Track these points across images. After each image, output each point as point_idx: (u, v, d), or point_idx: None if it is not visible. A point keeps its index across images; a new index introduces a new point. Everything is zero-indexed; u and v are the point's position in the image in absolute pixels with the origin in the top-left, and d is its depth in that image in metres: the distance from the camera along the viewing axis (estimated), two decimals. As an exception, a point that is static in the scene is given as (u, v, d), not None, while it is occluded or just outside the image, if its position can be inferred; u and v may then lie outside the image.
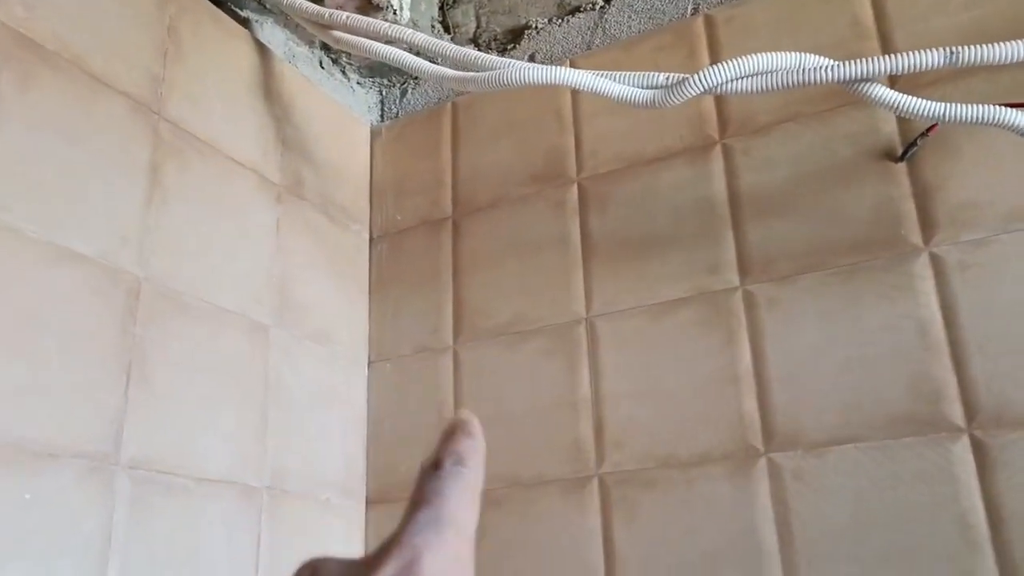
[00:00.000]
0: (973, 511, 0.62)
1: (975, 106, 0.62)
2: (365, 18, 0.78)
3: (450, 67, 0.75)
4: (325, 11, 0.78)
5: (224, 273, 0.74)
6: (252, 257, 0.77)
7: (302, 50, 0.93)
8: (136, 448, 0.62)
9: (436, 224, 0.92)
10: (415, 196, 0.94)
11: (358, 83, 1.00)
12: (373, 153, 0.99)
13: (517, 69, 0.70)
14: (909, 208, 0.70)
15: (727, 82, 0.66)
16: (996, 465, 0.62)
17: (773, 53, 0.65)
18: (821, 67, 0.64)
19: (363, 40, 0.77)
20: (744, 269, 0.75)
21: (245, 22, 0.84)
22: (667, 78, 0.67)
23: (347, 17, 0.77)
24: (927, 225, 0.69)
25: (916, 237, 0.69)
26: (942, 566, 0.62)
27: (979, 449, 0.63)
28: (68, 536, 0.56)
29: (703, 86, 0.66)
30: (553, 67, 0.69)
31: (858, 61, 0.63)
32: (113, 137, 0.65)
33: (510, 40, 0.96)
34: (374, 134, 0.99)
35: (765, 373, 0.71)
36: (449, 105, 0.95)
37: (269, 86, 0.84)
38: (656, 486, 0.72)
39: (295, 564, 0.21)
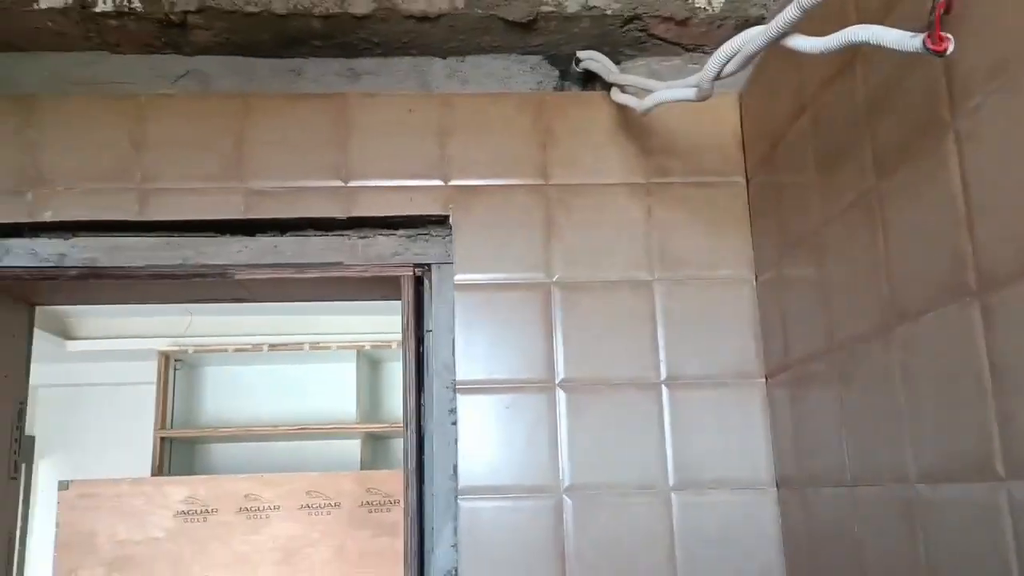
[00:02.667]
0: None
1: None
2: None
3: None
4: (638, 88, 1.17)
5: (606, 259, 1.21)
6: (628, 239, 1.21)
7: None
8: (566, 372, 1.18)
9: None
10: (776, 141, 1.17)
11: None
12: (742, 110, 1.25)
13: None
14: None
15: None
16: None
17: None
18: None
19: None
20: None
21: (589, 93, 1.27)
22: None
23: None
24: None
25: None
26: None
27: None
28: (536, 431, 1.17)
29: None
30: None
31: None
32: (520, 212, 1.23)
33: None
34: (741, 98, 1.25)
35: None
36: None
37: (627, 122, 1.25)
38: None
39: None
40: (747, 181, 1.23)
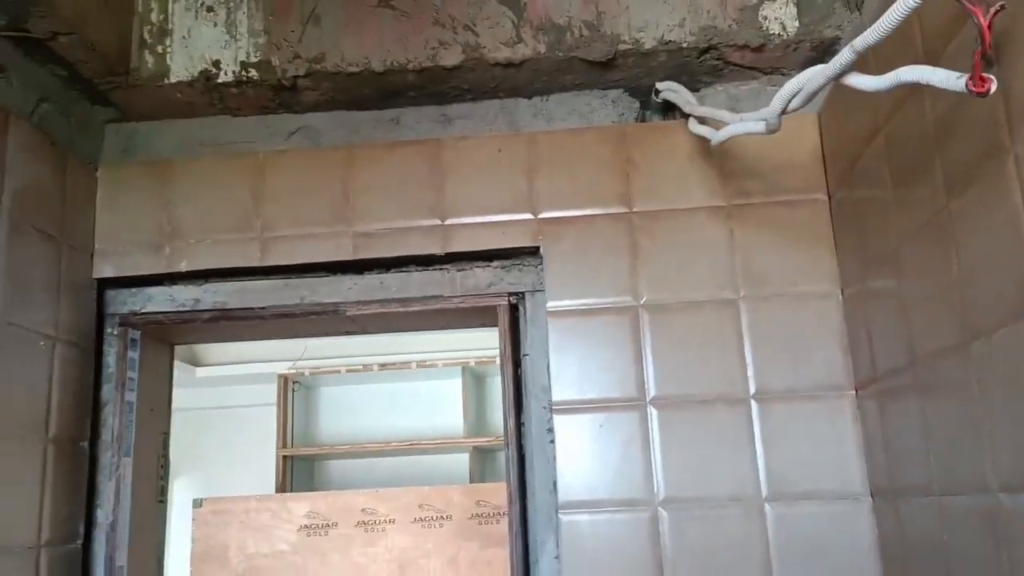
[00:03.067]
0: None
1: None
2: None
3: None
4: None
5: (691, 280, 1.26)
6: (712, 260, 1.26)
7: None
8: (656, 390, 1.24)
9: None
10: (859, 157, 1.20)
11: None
12: (821, 129, 1.28)
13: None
14: None
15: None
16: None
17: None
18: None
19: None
20: None
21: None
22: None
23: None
24: None
25: None
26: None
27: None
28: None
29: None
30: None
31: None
32: (606, 239, 1.29)
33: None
34: (820, 118, 1.28)
35: None
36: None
37: (706, 148, 1.30)
38: None
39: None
40: (829, 198, 1.26)
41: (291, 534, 3.38)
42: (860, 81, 0.74)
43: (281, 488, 3.80)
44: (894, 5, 0.63)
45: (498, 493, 3.31)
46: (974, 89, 0.60)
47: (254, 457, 4.02)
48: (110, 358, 1.34)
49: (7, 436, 1.11)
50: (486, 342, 3.79)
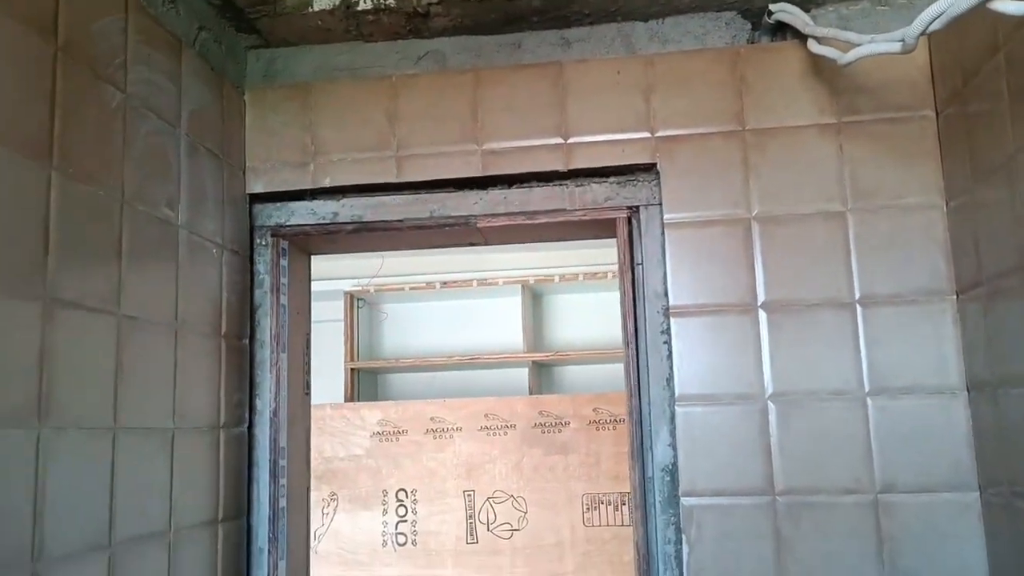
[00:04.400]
0: None
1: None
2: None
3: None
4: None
5: (800, 194, 1.35)
6: (821, 175, 1.35)
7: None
8: (766, 295, 1.35)
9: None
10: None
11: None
12: (931, 48, 1.34)
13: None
14: None
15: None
16: None
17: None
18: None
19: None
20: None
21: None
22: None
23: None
24: None
25: None
26: None
27: None
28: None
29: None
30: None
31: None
32: (720, 156, 1.38)
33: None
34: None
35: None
36: None
37: (815, 67, 1.37)
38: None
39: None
40: (937, 114, 1.34)
41: (365, 440, 3.60)
42: (1010, 7, 0.82)
43: (350, 398, 4.02)
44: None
45: (560, 404, 3.49)
46: None
47: (325, 370, 4.23)
48: (260, 266, 1.48)
49: (197, 333, 1.26)
50: (545, 261, 3.91)
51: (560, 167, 1.42)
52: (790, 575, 1.29)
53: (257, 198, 1.48)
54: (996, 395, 1.19)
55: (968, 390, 1.28)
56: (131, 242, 1.11)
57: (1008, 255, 1.12)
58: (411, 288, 4.04)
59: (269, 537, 1.41)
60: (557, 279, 3.87)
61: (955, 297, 1.30)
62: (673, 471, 1.36)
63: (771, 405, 1.33)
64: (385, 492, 3.54)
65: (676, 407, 1.36)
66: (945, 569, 1.26)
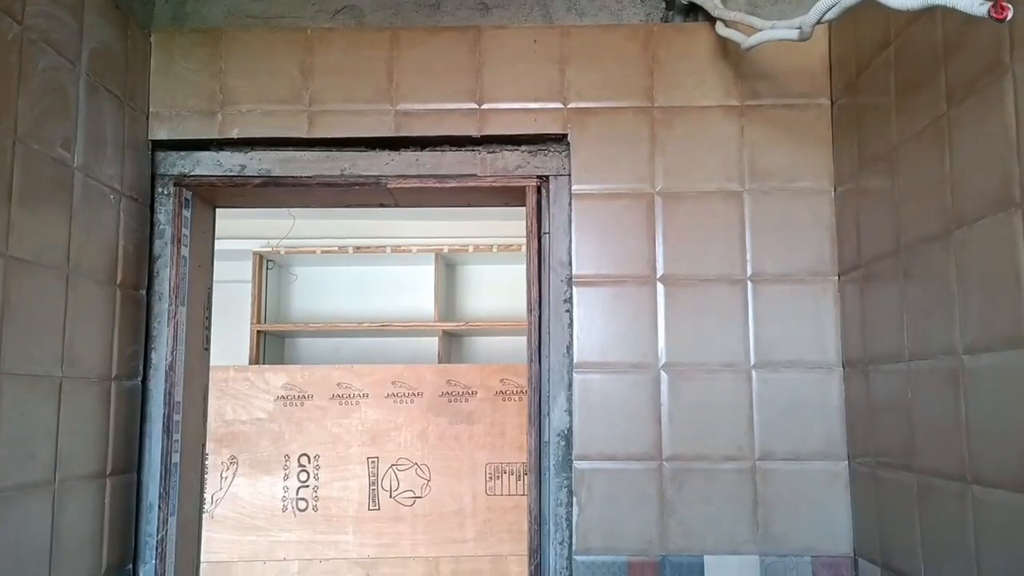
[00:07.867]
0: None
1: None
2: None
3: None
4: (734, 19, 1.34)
5: (702, 172, 1.41)
6: (722, 154, 1.41)
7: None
8: (665, 269, 1.40)
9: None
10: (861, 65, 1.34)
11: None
12: (831, 39, 1.41)
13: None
14: None
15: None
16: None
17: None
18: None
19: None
20: None
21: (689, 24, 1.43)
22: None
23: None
24: None
25: None
26: None
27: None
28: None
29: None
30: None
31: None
32: (629, 131, 1.42)
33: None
34: (831, 28, 1.41)
35: None
36: None
37: (724, 50, 1.42)
38: None
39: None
40: (832, 103, 1.41)
41: (268, 403, 3.54)
42: (893, 1, 0.87)
43: (255, 361, 3.95)
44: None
45: (468, 373, 3.52)
46: (995, 15, 0.74)
47: (230, 331, 4.14)
48: (161, 216, 1.44)
49: (91, 280, 1.22)
50: (459, 231, 3.92)
51: (473, 132, 1.43)
52: (671, 536, 1.35)
53: (160, 145, 1.44)
54: (867, 371, 1.27)
55: (843, 366, 1.37)
56: (22, 181, 1.06)
57: (884, 241, 1.20)
58: (323, 251, 3.98)
59: (160, 493, 1.39)
60: (471, 249, 3.89)
61: (837, 278, 1.38)
62: (568, 436, 1.40)
63: (663, 375, 1.39)
64: (287, 457, 3.50)
65: (574, 374, 1.40)
66: (812, 532, 1.35)
